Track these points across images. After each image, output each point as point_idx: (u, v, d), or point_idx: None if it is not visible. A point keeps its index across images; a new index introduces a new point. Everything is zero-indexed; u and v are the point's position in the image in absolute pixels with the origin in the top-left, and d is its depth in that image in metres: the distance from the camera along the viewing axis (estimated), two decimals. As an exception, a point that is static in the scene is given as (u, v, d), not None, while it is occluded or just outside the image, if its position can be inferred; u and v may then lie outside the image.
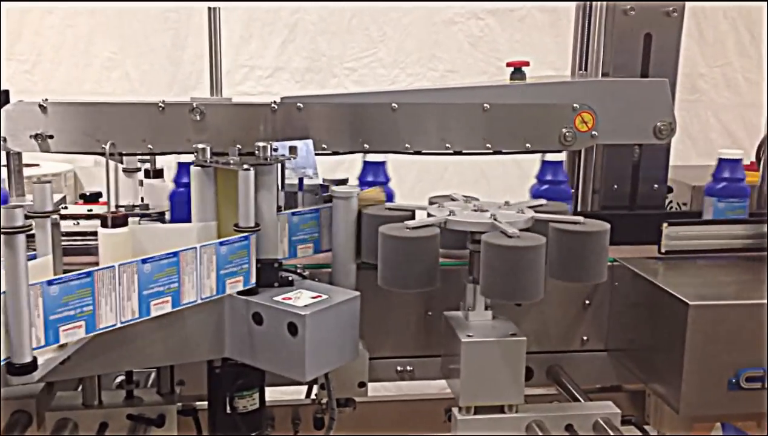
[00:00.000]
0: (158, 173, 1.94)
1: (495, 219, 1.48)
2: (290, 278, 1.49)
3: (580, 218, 1.50)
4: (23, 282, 1.13)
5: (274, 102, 1.68)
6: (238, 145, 1.57)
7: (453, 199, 1.67)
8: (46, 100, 1.62)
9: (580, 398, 1.68)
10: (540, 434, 1.50)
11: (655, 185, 1.97)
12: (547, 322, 1.80)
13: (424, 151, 1.75)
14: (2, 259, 1.11)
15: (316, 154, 1.66)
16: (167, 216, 1.83)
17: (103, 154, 1.53)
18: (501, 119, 1.75)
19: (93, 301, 1.22)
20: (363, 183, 1.84)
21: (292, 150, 1.55)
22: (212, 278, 1.39)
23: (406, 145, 1.74)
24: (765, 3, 3.67)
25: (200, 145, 1.44)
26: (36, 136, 1.61)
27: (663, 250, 1.79)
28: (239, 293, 1.43)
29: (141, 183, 1.94)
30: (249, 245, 1.43)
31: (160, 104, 1.64)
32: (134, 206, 1.90)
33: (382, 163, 1.87)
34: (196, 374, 1.59)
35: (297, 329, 1.36)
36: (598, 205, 2.02)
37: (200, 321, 1.42)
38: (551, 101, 1.77)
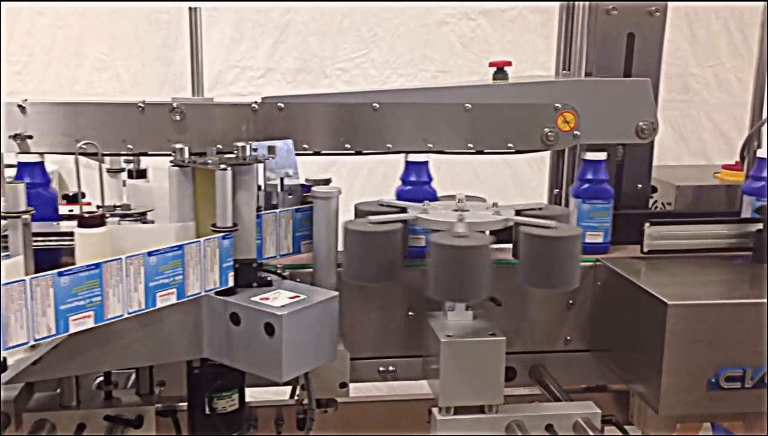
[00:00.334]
0: (141, 174, 1.93)
1: (460, 220, 1.47)
2: (269, 278, 1.49)
3: (552, 223, 1.50)
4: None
5: (255, 102, 1.68)
6: (219, 145, 1.57)
7: (458, 199, 1.65)
8: (26, 100, 1.62)
9: (562, 398, 1.68)
10: (520, 434, 1.50)
11: (639, 185, 1.97)
12: (530, 322, 1.80)
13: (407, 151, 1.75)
14: None
15: (297, 155, 1.66)
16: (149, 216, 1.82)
17: (81, 154, 1.54)
18: (483, 119, 1.75)
19: (101, 292, 1.25)
20: (405, 182, 1.79)
21: (271, 150, 1.55)
22: (215, 271, 1.40)
23: (388, 145, 1.74)
24: (756, 3, 3.67)
25: (178, 145, 1.44)
26: (15, 137, 1.61)
27: (645, 249, 1.79)
28: (217, 293, 1.43)
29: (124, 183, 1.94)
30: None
31: (140, 104, 1.64)
32: (116, 206, 1.90)
33: (425, 163, 1.79)
34: (176, 374, 1.59)
35: (274, 329, 1.36)
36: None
37: (178, 321, 1.42)
38: (534, 101, 1.77)
